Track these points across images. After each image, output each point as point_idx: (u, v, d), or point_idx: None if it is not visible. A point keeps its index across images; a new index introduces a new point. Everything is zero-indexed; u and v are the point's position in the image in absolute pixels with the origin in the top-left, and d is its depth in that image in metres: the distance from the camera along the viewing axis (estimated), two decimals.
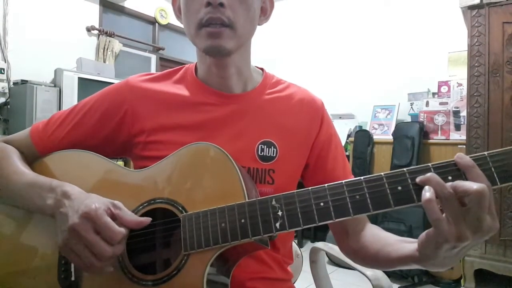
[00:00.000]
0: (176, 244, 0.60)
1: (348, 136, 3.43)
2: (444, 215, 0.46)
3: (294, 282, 0.87)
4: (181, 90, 0.75)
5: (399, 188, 0.49)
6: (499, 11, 2.20)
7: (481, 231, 0.45)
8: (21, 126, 2.62)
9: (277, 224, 0.53)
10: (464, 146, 2.38)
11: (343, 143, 3.51)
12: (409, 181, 0.49)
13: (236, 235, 0.55)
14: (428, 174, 0.47)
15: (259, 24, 0.74)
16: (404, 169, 0.50)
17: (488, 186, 0.45)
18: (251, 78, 0.77)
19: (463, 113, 2.64)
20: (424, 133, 2.79)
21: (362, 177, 0.51)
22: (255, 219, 0.54)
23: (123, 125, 0.73)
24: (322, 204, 0.52)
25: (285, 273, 0.77)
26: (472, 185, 0.45)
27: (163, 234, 0.63)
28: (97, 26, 3.54)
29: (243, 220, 0.55)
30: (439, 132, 2.79)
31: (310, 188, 0.54)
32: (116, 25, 3.78)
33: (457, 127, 2.72)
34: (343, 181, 0.52)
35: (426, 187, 0.46)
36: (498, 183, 0.47)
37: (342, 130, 3.43)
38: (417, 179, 0.48)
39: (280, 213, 0.53)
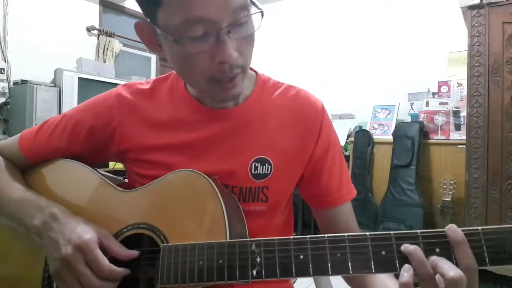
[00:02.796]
0: (155, 273, 0.58)
1: (348, 136, 3.43)
2: None
3: (293, 282, 0.86)
4: (170, 107, 0.71)
5: (383, 252, 0.48)
6: (499, 11, 2.20)
7: None
8: (21, 126, 2.62)
9: (254, 271, 0.51)
10: (464, 146, 2.38)
11: (343, 143, 3.52)
12: (394, 247, 0.48)
13: (212, 276, 0.53)
14: (412, 248, 0.46)
15: None
16: (391, 232, 0.48)
17: (472, 269, 0.44)
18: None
19: (463, 113, 2.64)
20: (424, 133, 2.79)
21: (346, 234, 0.50)
22: (233, 262, 0.52)
23: (112, 141, 0.71)
24: (301, 257, 0.50)
25: None
26: (449, 271, 0.43)
27: (142, 262, 0.62)
28: (97, 26, 3.54)
29: (220, 261, 0.53)
30: (439, 132, 2.79)
31: (291, 237, 0.52)
32: (116, 25, 3.78)
33: (457, 127, 2.72)
34: (326, 236, 0.50)
35: (406, 267, 0.46)
36: (488, 264, 0.45)
37: (342, 130, 3.43)
38: (402, 248, 0.47)
39: (258, 259, 0.51)
